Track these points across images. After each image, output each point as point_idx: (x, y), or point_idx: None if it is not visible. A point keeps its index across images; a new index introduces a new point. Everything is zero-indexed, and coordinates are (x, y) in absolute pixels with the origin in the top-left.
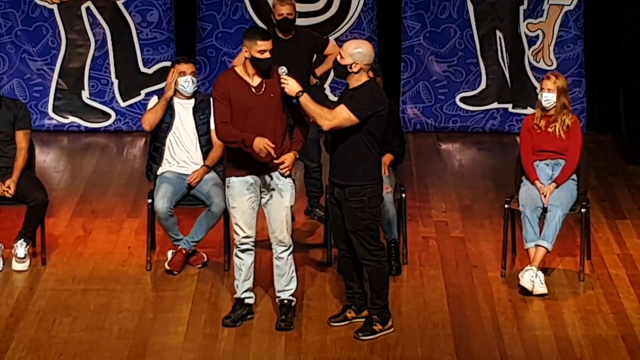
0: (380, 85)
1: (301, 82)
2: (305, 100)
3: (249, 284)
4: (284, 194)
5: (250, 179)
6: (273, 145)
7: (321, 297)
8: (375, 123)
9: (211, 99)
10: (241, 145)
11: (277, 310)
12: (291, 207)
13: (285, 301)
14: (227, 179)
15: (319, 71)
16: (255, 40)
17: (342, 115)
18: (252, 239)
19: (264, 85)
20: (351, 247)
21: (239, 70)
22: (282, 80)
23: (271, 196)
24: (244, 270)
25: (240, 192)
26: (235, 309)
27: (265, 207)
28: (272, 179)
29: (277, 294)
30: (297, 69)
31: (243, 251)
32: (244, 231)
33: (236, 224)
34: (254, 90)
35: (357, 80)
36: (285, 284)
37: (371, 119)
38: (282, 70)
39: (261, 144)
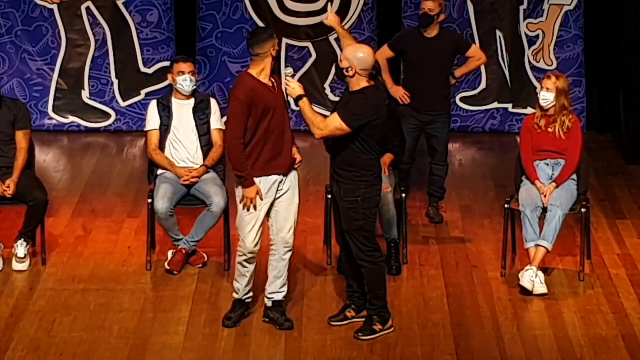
0: (382, 87)
1: (441, 82)
2: (304, 105)
3: (250, 286)
4: (294, 191)
5: (275, 178)
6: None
7: (321, 297)
8: (370, 132)
9: (214, 102)
10: (238, 177)
11: (272, 310)
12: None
13: (278, 301)
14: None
15: (458, 73)
16: (275, 37)
17: (334, 125)
18: (258, 249)
19: (275, 85)
20: None
21: (255, 74)
22: (286, 81)
23: (284, 194)
24: (248, 276)
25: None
26: (236, 309)
27: (276, 207)
28: (288, 177)
29: (270, 295)
30: (437, 68)
31: (249, 261)
32: (255, 241)
33: (249, 232)
34: (272, 90)
35: (355, 84)
36: (281, 286)
37: (365, 128)
38: (289, 71)
39: (252, 195)
